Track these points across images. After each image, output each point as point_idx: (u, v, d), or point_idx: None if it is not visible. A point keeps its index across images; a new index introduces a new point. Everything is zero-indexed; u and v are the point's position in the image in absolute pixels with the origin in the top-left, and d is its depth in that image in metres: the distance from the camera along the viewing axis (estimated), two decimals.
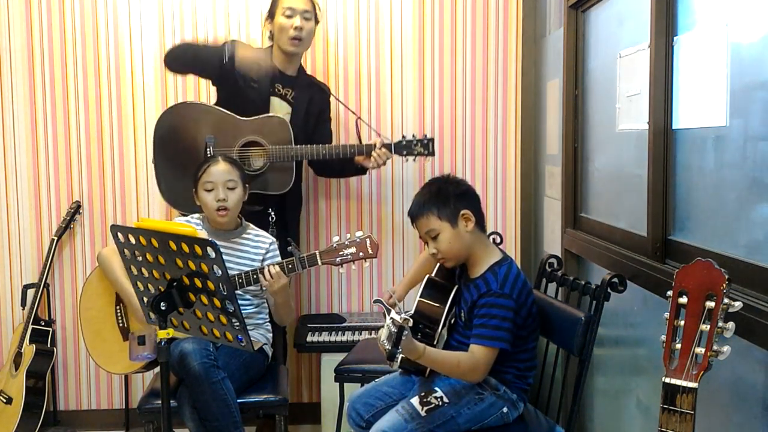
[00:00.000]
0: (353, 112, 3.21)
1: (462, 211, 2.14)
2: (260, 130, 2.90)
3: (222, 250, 1.92)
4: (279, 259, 2.70)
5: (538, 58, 3.34)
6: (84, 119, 3.40)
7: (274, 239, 2.78)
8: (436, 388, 2.14)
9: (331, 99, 3.18)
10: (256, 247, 2.72)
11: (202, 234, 2.04)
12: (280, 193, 2.97)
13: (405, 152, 2.99)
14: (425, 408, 2.09)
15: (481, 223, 2.20)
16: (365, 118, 3.41)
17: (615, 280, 2.11)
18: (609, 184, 2.54)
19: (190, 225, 2.54)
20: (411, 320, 1.83)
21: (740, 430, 1.66)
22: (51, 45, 3.37)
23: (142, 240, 2.04)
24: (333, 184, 3.44)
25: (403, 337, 1.81)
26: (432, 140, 3.00)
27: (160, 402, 2.05)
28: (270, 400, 2.62)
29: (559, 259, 2.51)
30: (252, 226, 2.77)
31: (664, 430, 1.32)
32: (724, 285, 1.30)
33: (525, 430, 2.20)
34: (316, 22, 3.04)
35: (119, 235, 2.11)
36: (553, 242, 3.04)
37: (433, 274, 2.38)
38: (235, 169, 2.67)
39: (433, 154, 3.00)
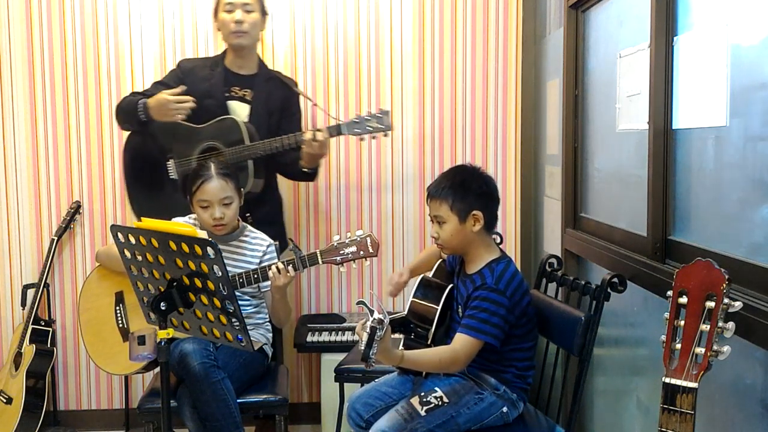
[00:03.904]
0: (309, 99, 3.09)
1: (474, 212, 2.13)
2: (216, 134, 2.88)
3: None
4: (276, 260, 2.70)
5: (538, 58, 3.34)
6: (84, 119, 3.40)
7: (272, 241, 2.77)
8: (436, 388, 2.15)
9: (302, 92, 3.12)
10: (254, 249, 2.71)
11: (202, 234, 2.04)
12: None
13: (358, 131, 2.78)
14: (425, 408, 2.09)
15: (490, 225, 2.20)
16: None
17: (615, 280, 2.11)
18: (609, 184, 2.54)
19: (190, 225, 2.54)
20: (385, 321, 1.82)
21: (740, 429, 1.66)
22: (51, 45, 3.37)
23: (142, 240, 2.04)
24: (333, 183, 3.44)
25: (376, 338, 1.81)
26: (387, 112, 2.79)
27: (160, 402, 2.05)
28: (270, 400, 2.62)
29: (559, 259, 2.51)
30: (250, 227, 2.77)
31: (664, 430, 1.32)
32: (724, 285, 1.30)
33: (525, 430, 2.20)
34: (264, 14, 2.99)
35: (119, 235, 2.11)
36: (553, 242, 3.04)
37: (430, 275, 2.38)
38: (230, 182, 2.61)
39: (390, 128, 2.80)
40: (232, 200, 2.62)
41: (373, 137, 2.83)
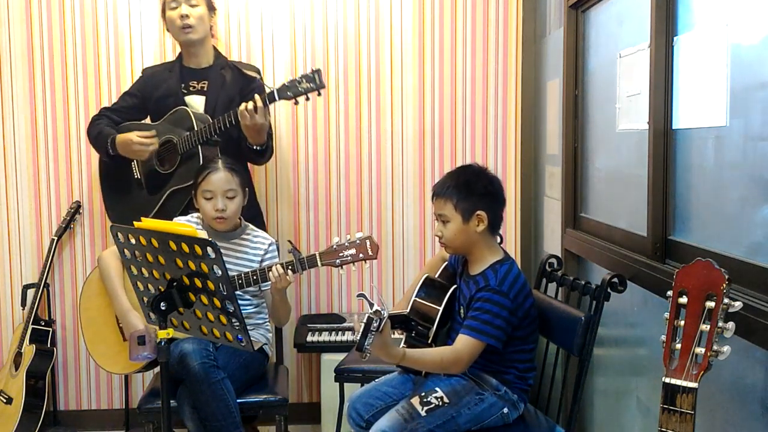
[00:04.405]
0: (263, 82, 3.02)
1: (478, 212, 2.14)
2: (171, 127, 2.92)
3: (221, 250, 1.91)
4: (277, 259, 2.70)
5: (538, 58, 3.34)
6: (84, 119, 3.39)
7: (273, 240, 2.78)
8: (437, 388, 2.15)
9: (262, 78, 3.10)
10: (255, 248, 2.72)
11: (202, 234, 2.04)
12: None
13: (291, 94, 2.70)
14: (425, 408, 2.09)
15: (494, 226, 2.19)
16: (365, 117, 3.42)
17: (615, 280, 2.11)
18: (609, 184, 2.54)
19: (190, 225, 2.54)
20: (383, 313, 1.83)
21: (740, 430, 1.66)
22: (51, 45, 3.37)
23: (142, 240, 2.04)
24: (333, 183, 3.44)
25: (372, 329, 1.81)
26: (318, 71, 2.69)
27: (160, 402, 2.05)
28: (270, 400, 2.62)
29: (559, 259, 2.51)
30: (251, 226, 2.77)
31: (664, 430, 1.32)
32: (724, 285, 1.30)
33: (525, 431, 2.20)
34: (212, 9, 3.00)
35: (119, 235, 2.11)
36: (553, 242, 3.04)
37: (435, 275, 2.37)
38: (236, 176, 2.65)
39: (323, 86, 2.69)
40: (236, 194, 2.64)
41: (307, 99, 2.73)
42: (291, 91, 2.70)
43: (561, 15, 2.89)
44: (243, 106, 2.70)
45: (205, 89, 3.00)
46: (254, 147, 2.86)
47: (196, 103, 2.99)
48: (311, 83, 2.69)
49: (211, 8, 3.01)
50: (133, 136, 2.90)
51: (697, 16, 1.89)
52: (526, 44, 3.37)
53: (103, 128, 3.01)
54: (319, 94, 2.73)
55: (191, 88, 3.01)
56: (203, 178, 2.63)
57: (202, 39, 2.98)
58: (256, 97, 2.72)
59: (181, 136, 2.87)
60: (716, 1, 1.81)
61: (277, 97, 2.72)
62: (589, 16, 2.68)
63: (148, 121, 3.08)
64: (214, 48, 3.07)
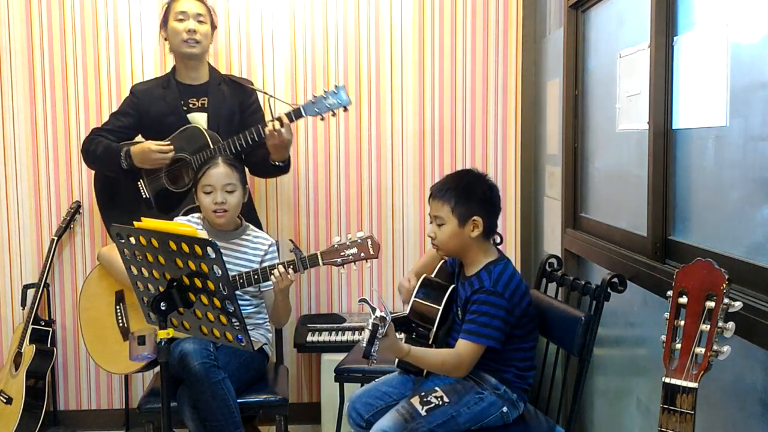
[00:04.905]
0: (265, 92, 3.07)
1: (474, 217, 2.13)
2: (181, 145, 2.88)
3: (221, 250, 1.91)
4: (277, 260, 2.70)
5: (538, 58, 3.34)
6: (84, 119, 3.40)
7: (273, 241, 2.78)
8: (437, 388, 2.15)
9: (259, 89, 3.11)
10: (255, 248, 2.72)
11: (202, 234, 2.04)
12: None
13: (317, 110, 2.74)
14: (425, 407, 2.09)
15: (488, 233, 2.19)
16: (365, 117, 3.42)
17: (615, 280, 2.11)
18: (609, 184, 2.54)
19: (190, 225, 2.54)
20: (387, 319, 1.84)
21: (740, 429, 1.66)
22: (51, 45, 3.37)
23: (142, 240, 2.04)
24: (333, 183, 3.45)
25: (378, 335, 1.82)
26: (342, 87, 2.75)
27: (160, 402, 2.05)
28: (270, 400, 2.62)
29: (559, 259, 2.51)
30: (252, 227, 2.78)
31: (664, 430, 1.32)
32: (724, 285, 1.30)
33: (525, 430, 2.20)
34: (214, 27, 3.01)
35: (119, 235, 2.11)
36: (553, 242, 3.04)
37: (433, 275, 2.38)
38: (235, 171, 2.66)
39: (349, 102, 2.76)
40: (235, 188, 2.65)
41: (333, 114, 2.77)
42: (318, 107, 2.75)
43: (561, 15, 2.89)
44: (270, 125, 2.72)
45: (206, 105, 2.98)
46: (277, 163, 2.87)
47: (198, 120, 2.97)
48: (337, 99, 2.74)
49: (213, 26, 3.01)
50: (151, 144, 2.85)
51: (697, 16, 1.89)
52: (526, 44, 3.38)
53: (108, 143, 2.96)
54: (346, 110, 2.77)
55: (191, 105, 2.99)
56: (203, 173, 2.65)
57: (202, 55, 2.98)
58: (282, 115, 2.74)
59: (196, 154, 2.84)
60: (716, 1, 1.81)
61: (304, 113, 2.75)
62: (589, 16, 2.68)
63: (140, 139, 3.04)
64: (208, 63, 3.07)
